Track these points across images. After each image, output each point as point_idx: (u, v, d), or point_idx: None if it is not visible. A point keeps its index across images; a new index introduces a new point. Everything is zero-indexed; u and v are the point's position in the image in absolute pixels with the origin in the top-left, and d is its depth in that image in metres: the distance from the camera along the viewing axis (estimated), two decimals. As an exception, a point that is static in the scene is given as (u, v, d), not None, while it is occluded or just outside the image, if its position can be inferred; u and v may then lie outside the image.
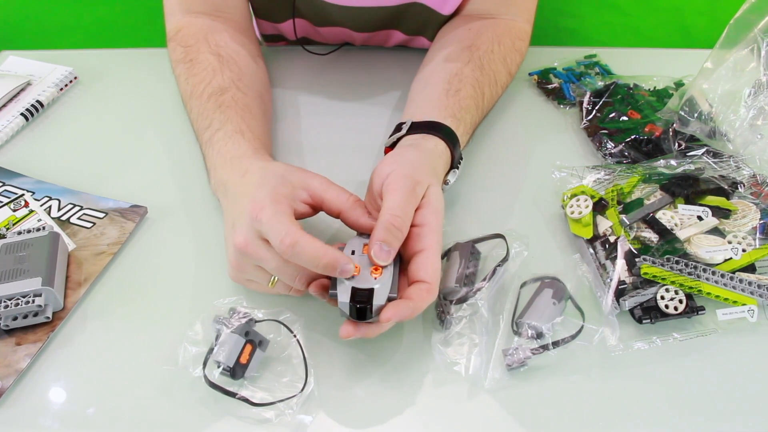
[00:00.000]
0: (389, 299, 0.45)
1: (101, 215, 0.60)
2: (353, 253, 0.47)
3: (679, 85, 0.71)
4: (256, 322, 0.49)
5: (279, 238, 0.44)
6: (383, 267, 0.46)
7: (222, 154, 0.56)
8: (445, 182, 0.57)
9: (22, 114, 0.71)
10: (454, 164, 0.58)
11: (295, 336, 0.49)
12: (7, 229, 0.59)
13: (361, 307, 0.44)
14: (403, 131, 0.57)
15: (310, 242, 0.44)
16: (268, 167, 0.52)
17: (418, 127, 0.57)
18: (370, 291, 0.45)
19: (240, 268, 0.49)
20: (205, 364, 0.46)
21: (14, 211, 0.61)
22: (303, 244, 0.44)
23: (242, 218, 0.47)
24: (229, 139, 0.56)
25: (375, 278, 0.45)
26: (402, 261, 0.49)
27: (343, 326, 0.45)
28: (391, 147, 0.58)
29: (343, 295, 0.45)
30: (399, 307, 0.44)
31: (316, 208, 0.51)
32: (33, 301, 0.49)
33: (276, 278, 0.48)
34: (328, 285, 0.47)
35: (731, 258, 0.51)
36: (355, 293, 0.45)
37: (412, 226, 0.48)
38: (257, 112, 0.62)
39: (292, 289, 0.49)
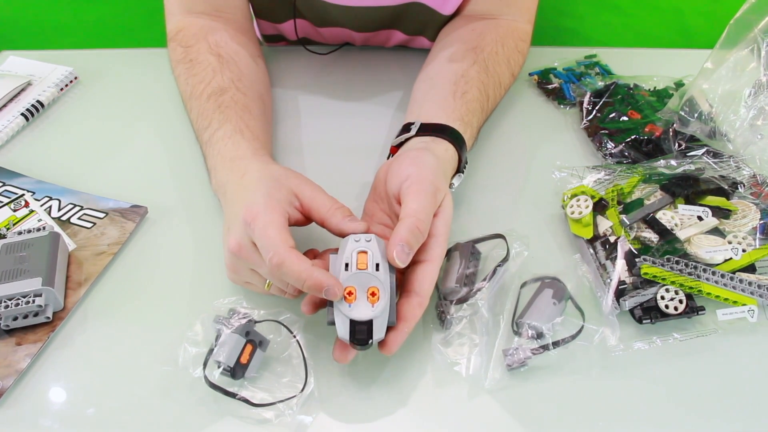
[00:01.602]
0: (389, 322, 0.44)
1: (101, 215, 0.60)
2: (347, 266, 0.45)
3: (679, 85, 0.71)
4: (256, 322, 0.49)
5: (267, 256, 0.44)
6: (380, 289, 0.44)
7: (222, 155, 0.56)
8: (450, 186, 0.57)
9: (22, 114, 0.71)
10: (460, 168, 0.57)
11: (295, 336, 0.49)
12: (8, 229, 0.59)
13: (361, 341, 0.43)
14: (413, 132, 0.57)
15: (295, 263, 0.43)
16: (265, 169, 0.51)
17: (427, 129, 0.57)
18: (369, 323, 0.43)
19: (235, 271, 0.49)
20: (205, 364, 0.46)
21: (14, 211, 0.61)
22: (289, 264, 0.43)
23: (236, 223, 0.47)
24: (228, 139, 0.56)
25: (372, 305, 0.43)
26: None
27: (336, 353, 0.46)
28: (397, 147, 0.58)
29: (342, 329, 0.43)
30: (397, 337, 0.45)
31: (307, 218, 0.50)
32: (33, 301, 0.49)
33: (270, 282, 0.48)
34: (319, 304, 0.47)
35: (731, 258, 0.51)
36: (355, 328, 0.43)
37: None
38: (257, 112, 0.62)
39: (287, 292, 0.49)
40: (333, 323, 0.44)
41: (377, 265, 0.45)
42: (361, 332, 0.43)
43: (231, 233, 0.48)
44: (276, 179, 0.50)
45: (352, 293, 0.44)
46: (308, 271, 0.43)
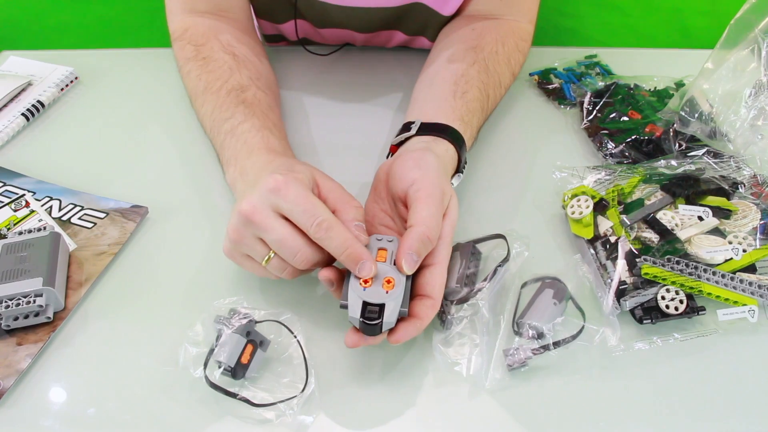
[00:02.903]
0: (400, 314, 0.44)
1: (102, 215, 0.60)
2: None
3: (679, 85, 0.72)
4: (257, 322, 0.49)
5: (315, 220, 0.44)
6: (396, 279, 0.45)
7: (249, 144, 0.55)
8: None
9: (22, 114, 0.71)
10: (459, 168, 0.57)
11: (295, 337, 0.49)
12: (8, 229, 0.59)
13: (372, 324, 0.44)
14: (413, 131, 0.57)
15: (344, 229, 0.45)
16: (290, 160, 0.53)
17: (427, 129, 0.57)
18: (381, 307, 0.44)
19: (238, 239, 0.47)
20: (206, 364, 0.46)
21: (15, 211, 0.61)
22: (338, 230, 0.45)
23: (256, 189, 0.46)
24: (257, 132, 0.56)
25: (386, 292, 0.45)
26: None
27: (348, 336, 0.45)
28: (397, 146, 0.58)
29: (354, 310, 0.44)
30: (408, 328, 0.45)
31: None
32: (34, 302, 0.49)
33: (271, 255, 0.47)
34: (337, 277, 0.47)
35: (732, 258, 0.51)
36: (366, 309, 0.44)
37: None
38: (278, 112, 0.63)
39: (285, 269, 0.48)
40: (346, 307, 0.45)
41: (395, 261, 0.46)
42: (372, 312, 0.44)
43: (246, 198, 0.46)
44: (302, 163, 0.51)
45: (368, 280, 0.45)
46: (352, 240, 0.45)
